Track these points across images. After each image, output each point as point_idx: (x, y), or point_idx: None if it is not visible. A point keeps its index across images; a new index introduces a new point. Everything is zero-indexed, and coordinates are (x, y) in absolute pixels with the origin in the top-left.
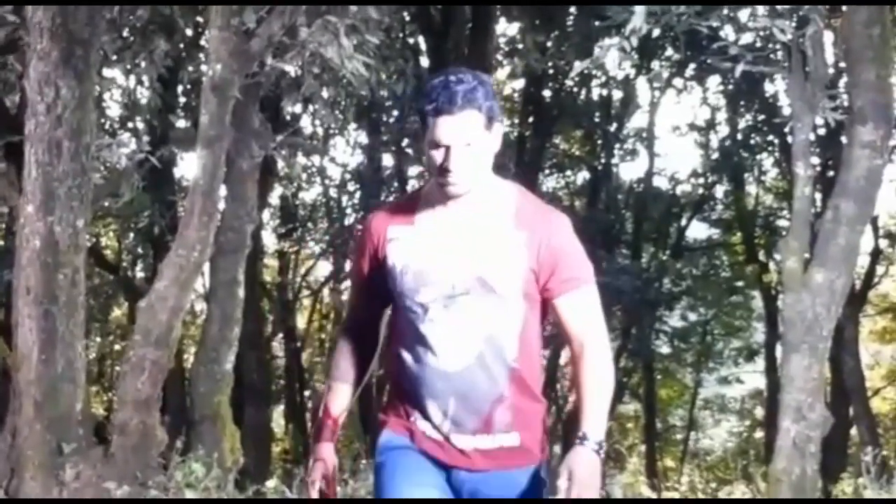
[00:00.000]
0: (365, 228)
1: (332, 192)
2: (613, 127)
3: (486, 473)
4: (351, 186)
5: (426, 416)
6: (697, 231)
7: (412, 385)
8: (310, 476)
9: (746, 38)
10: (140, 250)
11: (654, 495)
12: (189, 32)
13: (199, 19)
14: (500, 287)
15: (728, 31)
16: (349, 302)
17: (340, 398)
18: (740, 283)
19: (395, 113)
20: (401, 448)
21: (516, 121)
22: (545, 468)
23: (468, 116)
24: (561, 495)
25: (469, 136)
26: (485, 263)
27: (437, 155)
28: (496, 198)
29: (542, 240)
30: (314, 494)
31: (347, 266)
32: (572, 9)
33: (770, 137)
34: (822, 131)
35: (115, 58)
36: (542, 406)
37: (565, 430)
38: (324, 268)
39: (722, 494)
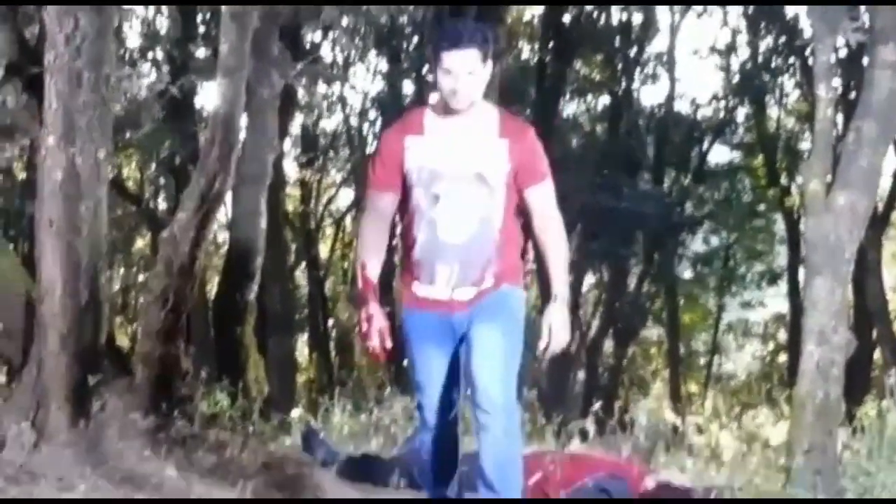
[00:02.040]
0: (384, 141)
1: (353, 121)
2: (634, 51)
3: (473, 308)
4: (372, 114)
5: (434, 280)
6: (719, 155)
7: (425, 256)
8: (370, 330)
9: None
10: (162, 181)
11: (677, 420)
12: None
13: None
14: (492, 179)
15: None
16: (368, 201)
17: (375, 269)
18: (762, 207)
19: (415, 39)
20: (416, 322)
21: (536, 46)
22: (514, 288)
23: (471, 52)
24: (542, 343)
25: (471, 67)
26: (481, 162)
27: (448, 80)
28: (483, 114)
29: (518, 145)
30: (377, 345)
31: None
32: None
33: (791, 59)
34: (843, 52)
35: None
36: (520, 263)
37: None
38: (346, 196)
39: (746, 419)
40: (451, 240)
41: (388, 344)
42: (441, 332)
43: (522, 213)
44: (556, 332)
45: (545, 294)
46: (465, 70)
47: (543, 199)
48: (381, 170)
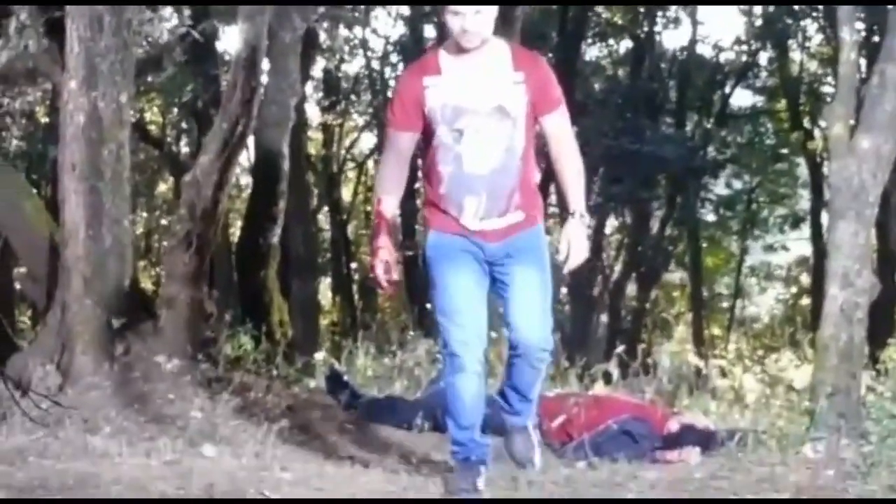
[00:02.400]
0: (403, 83)
1: (375, 64)
2: None
3: (505, 241)
4: (394, 58)
5: (462, 212)
6: (741, 99)
7: (451, 190)
8: (375, 260)
9: None
10: (184, 125)
11: (701, 363)
12: None
13: None
14: (513, 111)
15: None
16: (389, 141)
17: (391, 206)
18: (785, 151)
19: None
20: (445, 244)
21: None
22: (542, 227)
23: None
24: (562, 256)
25: (477, 6)
26: (500, 95)
27: (457, 20)
28: (496, 49)
29: (533, 76)
30: (380, 275)
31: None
32: None
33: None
34: None
35: None
36: (538, 193)
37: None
38: (368, 140)
39: (769, 362)
40: (477, 171)
41: (394, 276)
42: (471, 255)
43: (538, 140)
44: (576, 246)
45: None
46: (472, 9)
47: (559, 125)
48: (400, 111)
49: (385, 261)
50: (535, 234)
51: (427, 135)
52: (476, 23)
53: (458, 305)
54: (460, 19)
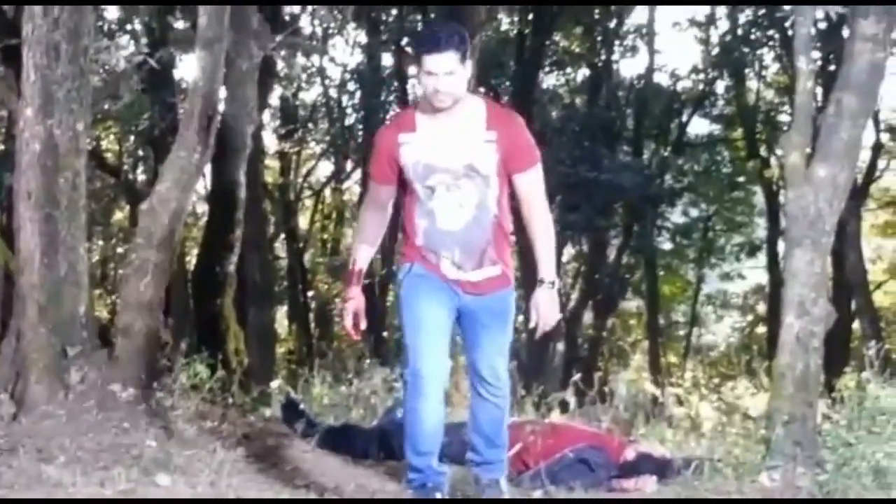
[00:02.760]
0: (380, 138)
1: (333, 93)
2: (613, 23)
3: (482, 297)
4: (351, 86)
5: (440, 262)
6: (698, 127)
7: (427, 243)
8: (344, 310)
9: None
10: (141, 153)
11: (657, 391)
12: None
13: None
14: (483, 170)
15: None
16: (369, 191)
17: (365, 255)
18: (742, 179)
19: (394, 12)
20: (423, 274)
21: (516, 18)
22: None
23: (449, 55)
24: (532, 323)
25: (450, 67)
26: (471, 154)
27: (430, 81)
28: (470, 108)
29: (505, 135)
30: (349, 325)
31: (349, 166)
32: None
33: (771, 32)
34: (823, 25)
35: None
36: (510, 245)
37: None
38: (325, 168)
39: (725, 390)
40: (449, 227)
41: (363, 325)
42: (444, 291)
43: (511, 197)
44: (545, 313)
45: (529, 274)
46: (445, 71)
47: (531, 185)
48: (378, 165)
49: (355, 311)
50: (507, 298)
51: (405, 188)
52: (448, 84)
53: (428, 333)
54: (434, 80)
